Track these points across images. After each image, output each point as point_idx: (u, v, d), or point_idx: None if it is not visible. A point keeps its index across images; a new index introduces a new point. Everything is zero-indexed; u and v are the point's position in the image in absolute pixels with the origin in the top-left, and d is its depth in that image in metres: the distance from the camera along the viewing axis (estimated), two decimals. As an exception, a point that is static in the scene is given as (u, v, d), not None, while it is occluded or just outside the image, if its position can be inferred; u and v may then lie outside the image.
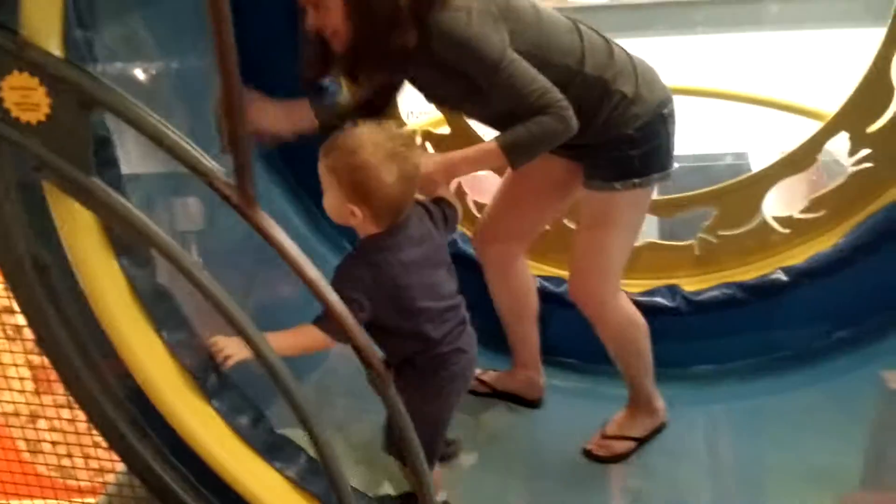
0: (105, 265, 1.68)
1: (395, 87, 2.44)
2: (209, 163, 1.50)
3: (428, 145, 3.25)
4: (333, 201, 1.98)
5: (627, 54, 2.37)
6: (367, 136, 1.94)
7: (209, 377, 1.84)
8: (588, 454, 2.71)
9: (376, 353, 1.65)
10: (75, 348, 1.72)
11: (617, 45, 2.37)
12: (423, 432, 2.07)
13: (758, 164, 4.70)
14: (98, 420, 1.79)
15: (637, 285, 3.15)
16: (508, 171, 2.60)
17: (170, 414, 1.76)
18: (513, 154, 2.16)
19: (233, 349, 1.85)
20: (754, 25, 6.55)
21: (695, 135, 5.38)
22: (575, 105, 2.17)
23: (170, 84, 2.43)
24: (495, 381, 2.97)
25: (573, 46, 2.25)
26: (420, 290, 2.04)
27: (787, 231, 3.11)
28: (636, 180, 2.35)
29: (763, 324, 3.09)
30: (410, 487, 2.33)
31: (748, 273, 3.12)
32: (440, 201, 2.22)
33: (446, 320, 2.11)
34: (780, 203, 3.28)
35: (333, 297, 1.58)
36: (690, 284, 3.17)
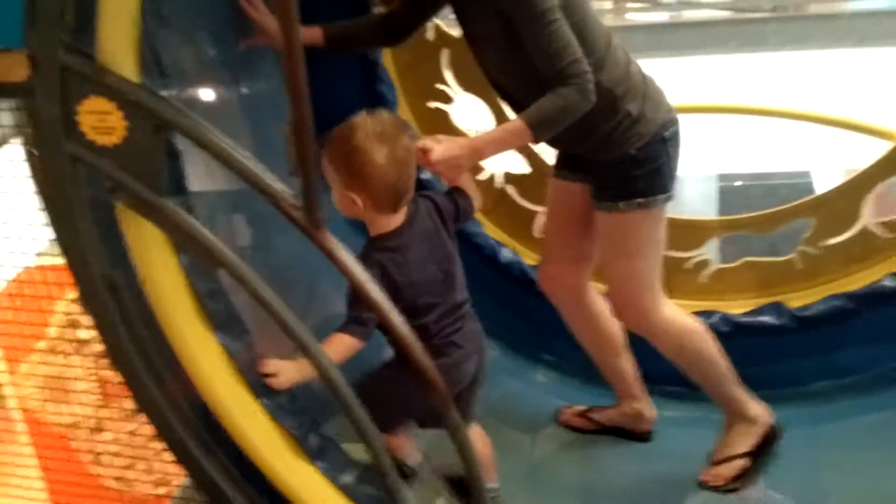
0: (175, 285, 1.71)
1: (425, 14, 2.45)
2: (277, 185, 1.53)
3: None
4: (337, 194, 2.02)
5: (642, 74, 2.36)
6: (357, 122, 1.98)
7: (279, 398, 1.86)
8: (704, 485, 2.61)
9: (440, 377, 1.65)
10: (145, 365, 1.76)
11: (635, 63, 2.36)
12: (391, 407, 2.15)
13: (820, 182, 4.64)
14: (165, 434, 1.83)
15: (740, 305, 3.09)
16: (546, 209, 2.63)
17: (234, 430, 1.79)
18: (538, 129, 2.15)
19: (287, 372, 1.89)
20: (822, 42, 6.46)
21: (756, 153, 5.36)
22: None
23: (240, 106, 2.48)
24: (601, 417, 2.88)
25: (599, 50, 2.23)
26: (425, 286, 2.06)
27: (892, 235, 2.98)
28: (640, 200, 2.34)
29: (876, 334, 2.97)
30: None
31: (855, 283, 3.01)
32: (454, 192, 2.21)
33: (446, 315, 2.12)
34: (879, 207, 3.15)
35: (396, 318, 1.59)
36: (796, 300, 3.08)
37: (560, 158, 2.60)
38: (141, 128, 1.54)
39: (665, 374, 2.80)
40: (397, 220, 2.05)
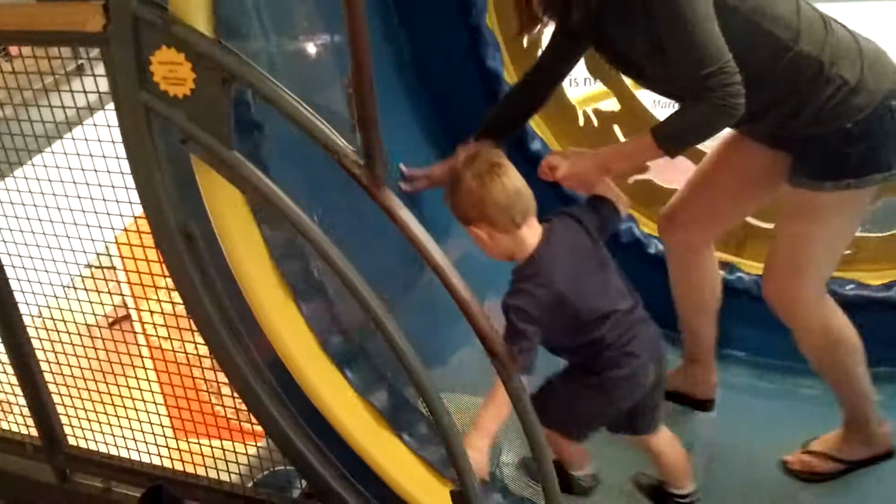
0: (247, 236, 1.73)
1: (575, 51, 2.28)
2: (340, 141, 1.50)
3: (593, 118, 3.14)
4: (473, 239, 2.01)
5: (851, 33, 2.05)
6: (453, 170, 1.99)
7: (344, 347, 1.86)
8: (784, 465, 2.51)
9: (503, 343, 1.60)
10: (219, 314, 1.79)
11: (837, 22, 2.06)
12: (577, 417, 2.17)
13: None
14: (239, 385, 1.86)
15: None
16: (709, 153, 2.42)
17: (303, 381, 1.80)
18: (669, 146, 1.97)
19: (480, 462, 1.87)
20: None
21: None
22: (785, 88, 1.98)
23: (327, 60, 2.47)
24: (838, 453, 2.58)
25: (790, 18, 1.98)
26: (581, 301, 1.98)
27: None
28: (851, 181, 2.04)
29: None
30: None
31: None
32: (596, 203, 2.12)
33: (617, 325, 2.02)
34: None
35: (458, 282, 1.55)
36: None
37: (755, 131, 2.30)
38: (209, 80, 1.54)
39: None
40: (531, 241, 1.97)
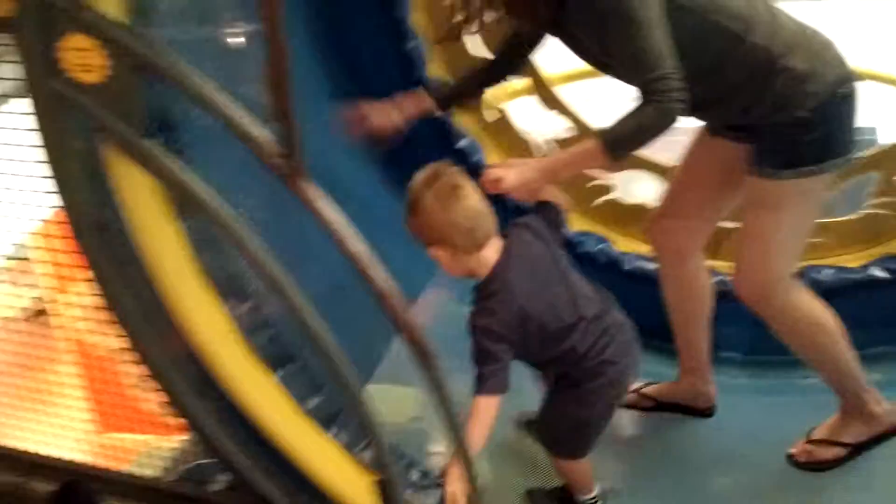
0: (162, 227, 1.70)
1: (531, 42, 2.32)
2: (258, 130, 1.48)
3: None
4: (433, 258, 1.98)
5: (799, 24, 2.11)
6: (409, 187, 1.96)
7: (265, 341, 1.85)
8: (790, 458, 2.52)
9: (421, 332, 1.60)
10: (137, 307, 1.76)
11: (785, 13, 2.11)
12: (572, 434, 2.18)
13: (886, 138, 4.40)
14: (158, 378, 1.83)
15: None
16: (682, 157, 2.48)
17: (223, 374, 1.78)
18: (614, 149, 1.98)
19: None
20: None
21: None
22: (738, 80, 2.03)
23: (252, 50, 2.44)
24: (659, 394, 2.74)
25: (742, 11, 2.04)
26: (546, 314, 1.98)
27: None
28: (810, 168, 2.10)
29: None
30: (559, 480, 2.35)
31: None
32: (544, 210, 2.14)
33: (589, 332, 2.04)
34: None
35: (378, 273, 1.54)
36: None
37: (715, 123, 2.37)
38: (121, 67, 1.51)
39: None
40: (491, 258, 1.97)
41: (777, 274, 2.27)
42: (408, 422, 2.72)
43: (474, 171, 2.82)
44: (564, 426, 2.17)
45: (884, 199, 2.90)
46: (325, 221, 1.51)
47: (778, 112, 2.08)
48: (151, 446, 2.37)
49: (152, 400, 2.29)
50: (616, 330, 2.09)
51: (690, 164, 2.46)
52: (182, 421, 1.91)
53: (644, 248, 3.05)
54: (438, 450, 2.58)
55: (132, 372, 2.37)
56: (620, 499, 2.39)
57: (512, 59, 2.38)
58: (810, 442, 2.52)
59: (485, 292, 1.97)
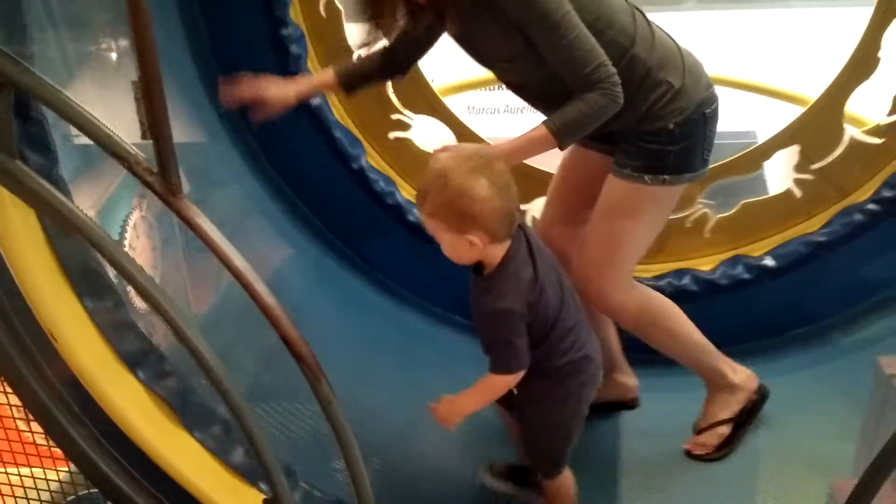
0: (35, 251, 1.64)
1: (428, 40, 2.36)
2: (131, 148, 1.44)
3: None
4: (450, 243, 1.92)
5: (673, 41, 2.26)
6: (445, 166, 1.87)
7: (145, 360, 1.80)
8: (689, 454, 2.61)
9: (307, 346, 1.59)
10: (7, 333, 1.69)
11: (661, 29, 2.26)
12: (557, 441, 2.20)
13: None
14: (33, 407, 1.76)
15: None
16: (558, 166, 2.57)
17: (100, 396, 1.73)
18: (564, 135, 2.10)
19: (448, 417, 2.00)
20: (742, 3, 6.47)
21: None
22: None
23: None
24: (722, 412, 2.68)
25: (628, 25, 2.17)
26: (550, 300, 2.00)
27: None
28: (667, 177, 2.25)
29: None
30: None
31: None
32: None
33: (576, 326, 2.08)
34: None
35: (260, 287, 1.52)
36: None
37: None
38: (-16, 85, 1.45)
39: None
40: (506, 246, 1.96)
41: (620, 274, 2.40)
42: (308, 438, 2.69)
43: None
44: (553, 438, 2.19)
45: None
46: (204, 239, 1.49)
47: (649, 121, 2.20)
48: (34, 479, 2.27)
49: (33, 431, 2.21)
50: (586, 329, 2.14)
51: (568, 175, 2.59)
52: (61, 450, 1.84)
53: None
54: (339, 466, 2.56)
55: (11, 403, 2.30)
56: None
57: (405, 55, 2.41)
58: (698, 433, 2.63)
59: (502, 274, 1.96)
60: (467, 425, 2.42)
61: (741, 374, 2.61)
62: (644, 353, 2.65)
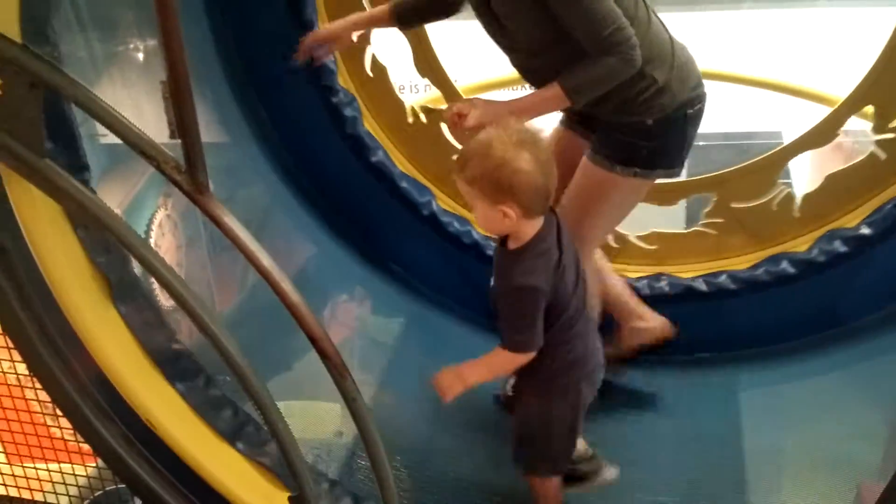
0: (63, 247, 1.66)
1: None
2: (158, 147, 1.46)
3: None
4: (484, 212, 1.93)
5: (669, 37, 2.23)
6: (491, 136, 1.88)
7: (173, 358, 1.82)
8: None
9: (333, 344, 1.60)
10: (37, 331, 1.71)
11: (661, 22, 2.23)
12: (559, 438, 2.19)
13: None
14: (62, 403, 1.78)
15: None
16: None
17: (129, 393, 1.74)
18: (576, 94, 2.09)
19: (451, 385, 1.99)
20: (769, 3, 6.44)
21: (731, 113, 5.29)
22: None
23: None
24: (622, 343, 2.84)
25: (629, 8, 2.12)
26: (569, 289, 2.02)
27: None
28: (638, 170, 2.26)
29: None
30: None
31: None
32: None
33: (586, 319, 2.10)
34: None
35: (287, 286, 1.53)
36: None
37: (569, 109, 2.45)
38: (15, 85, 1.46)
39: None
40: (538, 224, 1.97)
41: (582, 248, 2.36)
42: (331, 437, 2.71)
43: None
44: (556, 435, 2.18)
45: (714, 220, 3.07)
46: (231, 238, 1.50)
47: (628, 113, 2.21)
48: (63, 474, 2.29)
49: (61, 427, 2.24)
50: (590, 326, 2.15)
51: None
52: (90, 446, 1.86)
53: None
54: (363, 464, 2.57)
55: (40, 399, 2.32)
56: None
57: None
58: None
59: (532, 252, 1.96)
60: (486, 428, 2.45)
61: (647, 322, 2.76)
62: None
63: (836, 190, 2.93)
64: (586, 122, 2.35)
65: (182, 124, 1.40)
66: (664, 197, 3.08)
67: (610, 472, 2.41)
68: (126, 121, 1.45)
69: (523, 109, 2.13)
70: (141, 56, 2.41)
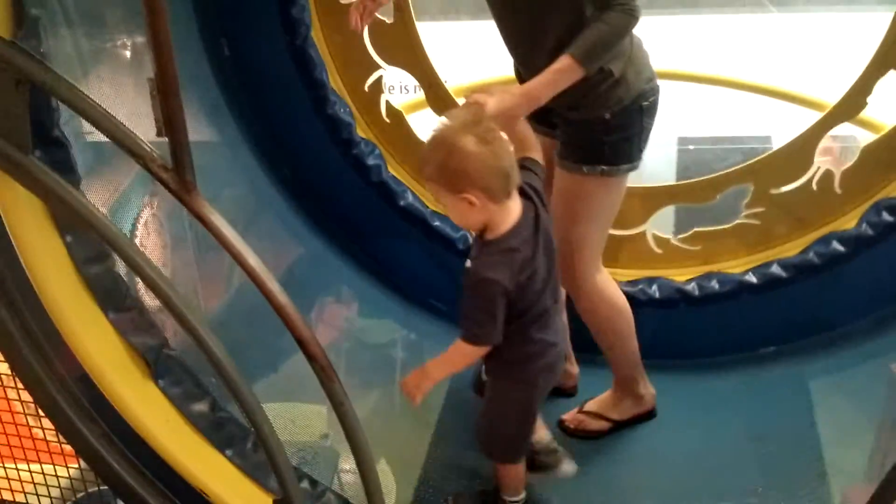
0: (47, 245, 1.64)
1: None
2: (145, 145, 1.44)
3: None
4: (453, 205, 1.97)
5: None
6: (438, 130, 1.95)
7: (157, 357, 1.80)
8: (560, 424, 2.69)
9: (320, 346, 1.58)
10: (19, 329, 1.69)
11: None
12: (513, 422, 2.23)
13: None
14: (44, 402, 1.76)
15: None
16: None
17: (112, 394, 1.73)
18: (587, 59, 2.07)
19: (417, 385, 2.07)
20: (760, 7, 6.46)
21: (719, 117, 5.30)
22: None
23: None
24: (609, 412, 2.77)
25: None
26: (537, 278, 2.04)
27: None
28: (604, 168, 2.27)
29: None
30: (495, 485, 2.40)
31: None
32: (525, 163, 2.12)
33: (550, 308, 2.12)
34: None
35: (273, 286, 1.52)
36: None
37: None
38: (2, 81, 1.45)
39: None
40: (514, 214, 2.00)
41: (584, 259, 2.42)
42: (317, 440, 2.69)
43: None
44: (510, 418, 2.22)
45: (755, 210, 3.00)
46: (218, 237, 1.49)
47: (587, 108, 2.21)
48: (45, 475, 2.27)
49: (43, 427, 2.21)
50: (558, 315, 2.18)
51: None
52: (72, 447, 1.83)
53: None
54: (347, 467, 2.56)
55: (22, 399, 2.30)
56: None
57: None
58: (582, 412, 2.72)
59: (501, 246, 1.98)
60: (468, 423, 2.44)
61: (648, 390, 2.72)
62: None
63: (874, 162, 2.88)
64: (547, 121, 2.35)
65: (169, 122, 1.39)
66: (699, 195, 3.03)
67: (569, 466, 2.45)
68: (113, 118, 1.43)
69: (540, 89, 2.13)
70: (128, 54, 2.39)
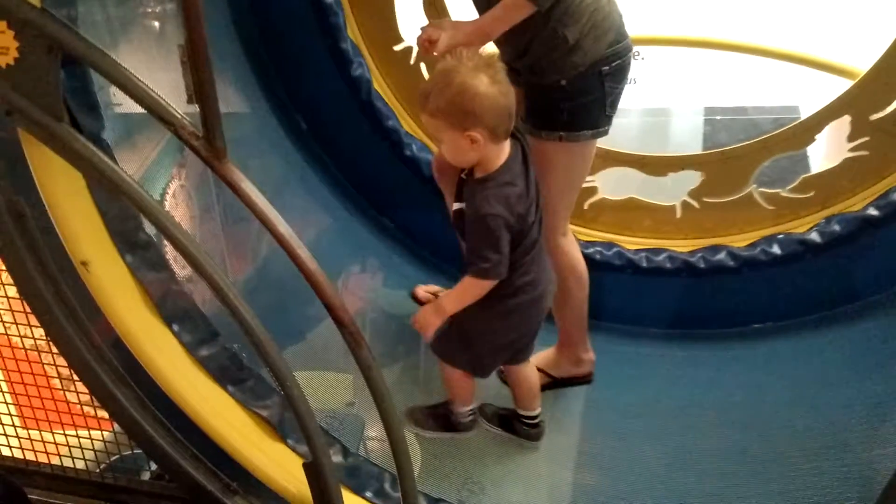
0: (81, 212, 1.66)
1: None
2: (176, 112, 1.45)
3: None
4: (453, 142, 2.01)
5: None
6: (448, 66, 1.98)
7: (191, 325, 1.82)
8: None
9: (349, 312, 1.60)
10: (54, 296, 1.72)
11: None
12: (485, 343, 2.33)
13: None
14: (79, 368, 1.79)
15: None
16: None
17: (145, 360, 1.75)
18: None
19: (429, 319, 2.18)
20: None
21: (746, 87, 5.24)
22: (523, 23, 2.12)
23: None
24: (546, 367, 2.82)
25: None
26: (526, 218, 2.10)
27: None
28: (561, 134, 2.27)
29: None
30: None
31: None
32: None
33: (532, 247, 2.18)
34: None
35: (303, 252, 1.53)
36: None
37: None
38: (33, 48, 1.45)
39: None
40: (505, 152, 2.07)
41: (553, 222, 2.41)
42: (342, 407, 2.72)
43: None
44: (484, 340, 2.32)
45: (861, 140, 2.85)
46: (248, 204, 1.50)
47: (543, 73, 2.22)
48: (79, 438, 2.31)
49: (78, 392, 2.25)
50: (544, 255, 2.26)
51: None
52: (106, 411, 1.87)
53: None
54: (373, 434, 2.59)
55: (57, 364, 2.33)
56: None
57: None
58: None
59: (498, 181, 2.06)
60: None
61: (588, 356, 2.79)
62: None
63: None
64: (515, 81, 2.29)
65: (200, 89, 1.39)
66: (796, 141, 2.96)
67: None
68: (145, 85, 1.44)
69: (490, 24, 2.15)
70: (157, 24, 2.40)
